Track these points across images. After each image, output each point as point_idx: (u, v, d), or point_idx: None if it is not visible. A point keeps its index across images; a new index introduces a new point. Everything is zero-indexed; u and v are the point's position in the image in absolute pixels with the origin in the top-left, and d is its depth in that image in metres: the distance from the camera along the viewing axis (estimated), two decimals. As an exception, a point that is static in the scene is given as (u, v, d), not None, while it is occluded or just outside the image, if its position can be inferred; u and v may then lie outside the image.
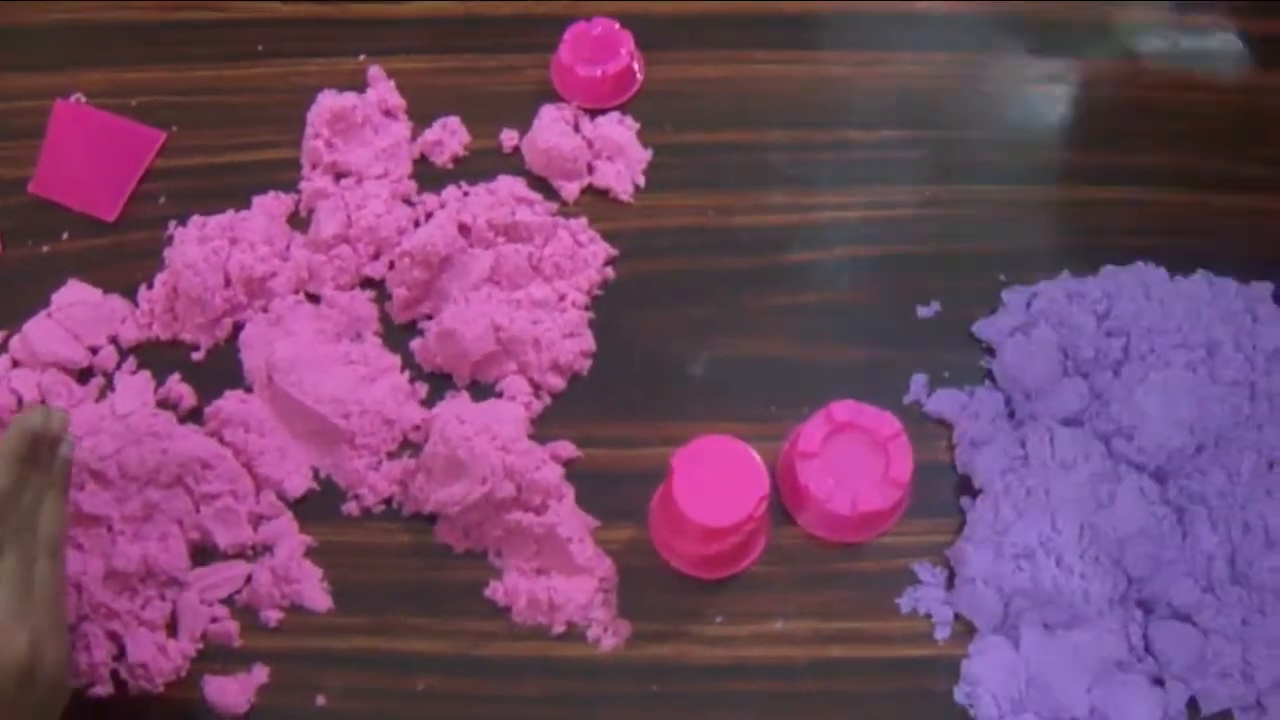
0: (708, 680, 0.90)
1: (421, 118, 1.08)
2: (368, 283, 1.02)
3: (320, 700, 0.91)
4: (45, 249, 1.06)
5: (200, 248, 1.01)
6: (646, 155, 1.05)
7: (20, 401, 0.99)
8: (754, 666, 0.91)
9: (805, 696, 0.90)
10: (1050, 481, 0.91)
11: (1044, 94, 1.09)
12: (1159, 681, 0.89)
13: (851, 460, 0.91)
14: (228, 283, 1.00)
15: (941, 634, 0.91)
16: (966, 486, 0.94)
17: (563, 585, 0.91)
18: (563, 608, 0.91)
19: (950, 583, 0.92)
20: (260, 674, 0.92)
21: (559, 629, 0.91)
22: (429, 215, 1.02)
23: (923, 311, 1.00)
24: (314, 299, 1.01)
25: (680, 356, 0.99)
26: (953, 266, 1.02)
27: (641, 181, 1.05)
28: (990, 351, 0.98)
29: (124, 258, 1.05)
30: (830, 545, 0.93)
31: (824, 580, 0.93)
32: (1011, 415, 0.96)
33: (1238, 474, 0.92)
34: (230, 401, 0.98)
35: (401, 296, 0.99)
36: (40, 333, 1.01)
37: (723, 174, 1.05)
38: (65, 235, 1.06)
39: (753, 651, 0.91)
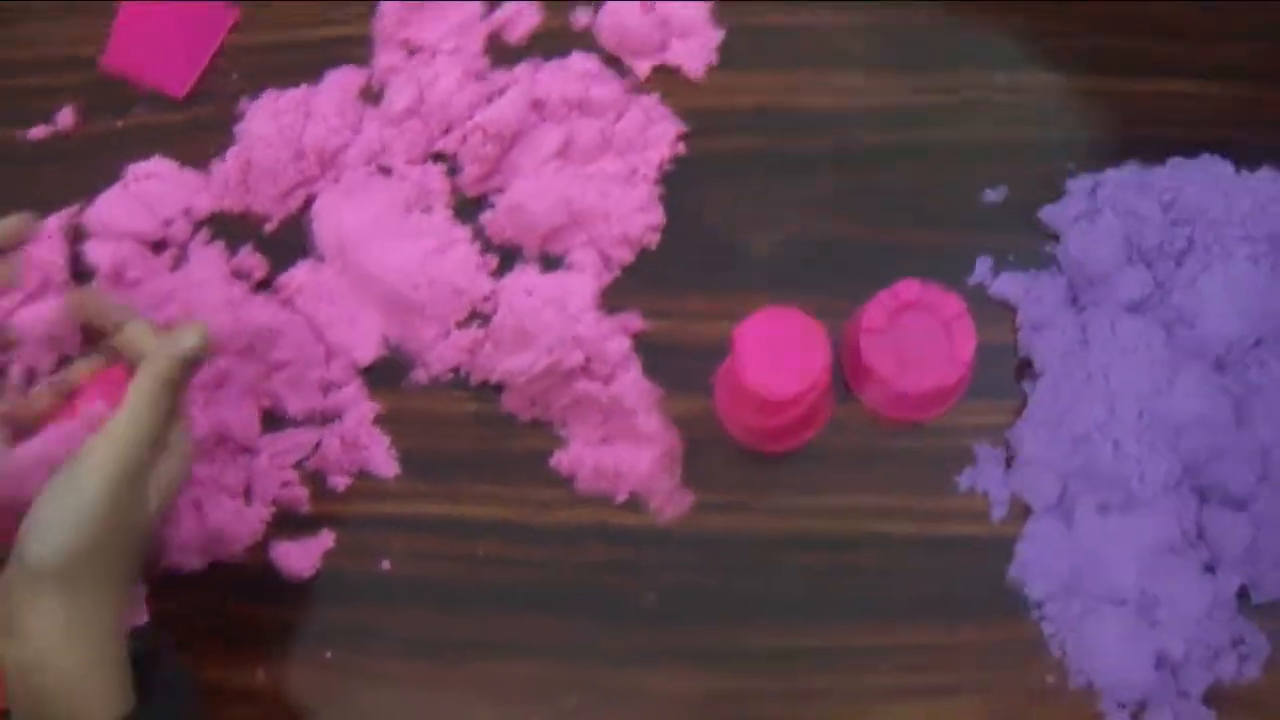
0: (767, 551, 0.95)
1: None
2: (439, 156, 1.05)
3: (385, 565, 0.97)
4: (119, 124, 1.10)
5: (273, 121, 1.05)
6: (719, 34, 1.07)
7: (96, 272, 1.04)
8: (813, 539, 0.95)
9: (861, 570, 0.94)
10: (1110, 366, 0.94)
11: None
12: (1210, 568, 0.92)
13: (915, 338, 0.94)
14: (300, 155, 1.04)
15: (998, 513, 0.95)
16: (1027, 369, 0.97)
17: (627, 454, 0.95)
18: (626, 476, 0.95)
19: (1008, 463, 0.96)
20: (327, 539, 0.97)
21: (622, 498, 0.96)
22: (501, 91, 1.05)
23: (989, 196, 1.02)
24: (385, 171, 1.05)
25: (748, 234, 1.02)
26: (1020, 153, 1.03)
27: (714, 60, 1.07)
28: (1055, 238, 1.00)
29: (197, 132, 1.09)
30: (891, 422, 0.97)
31: (884, 456, 0.97)
32: (1074, 300, 0.98)
33: (1297, 366, 0.94)
34: (301, 271, 1.03)
35: (473, 170, 1.03)
36: (114, 205, 1.06)
37: (795, 54, 1.07)
38: (138, 109, 1.11)
39: (811, 524, 0.95)
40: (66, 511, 0.77)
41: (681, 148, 1.05)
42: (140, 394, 0.82)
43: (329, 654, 0.96)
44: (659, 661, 0.94)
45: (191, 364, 0.85)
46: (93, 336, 0.96)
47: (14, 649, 0.77)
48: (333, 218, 1.03)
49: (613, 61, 1.07)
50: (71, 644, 0.77)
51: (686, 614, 0.94)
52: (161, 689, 0.81)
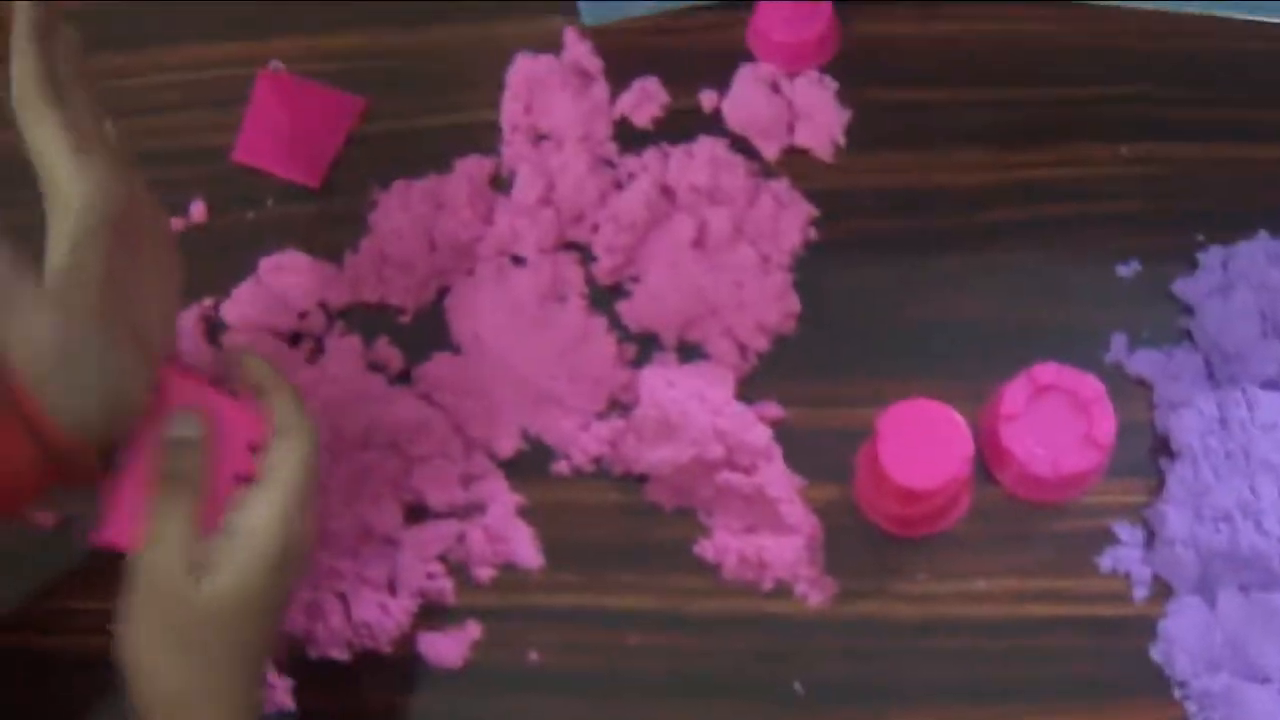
0: (912, 637, 0.97)
1: (619, 79, 1.14)
2: (571, 245, 1.09)
3: (533, 656, 1.00)
4: (250, 215, 1.15)
5: (405, 213, 1.09)
6: (845, 115, 1.10)
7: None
8: (956, 624, 0.97)
9: (1006, 654, 0.96)
10: (1250, 444, 0.95)
11: (1243, 50, 1.12)
12: (1356, 647, 0.93)
13: (1053, 421, 0.96)
14: (433, 247, 1.08)
15: (1139, 593, 0.96)
16: (1165, 447, 0.99)
17: (771, 543, 0.98)
18: (771, 565, 0.98)
19: (1149, 542, 0.97)
20: (474, 630, 1.00)
21: (768, 586, 0.99)
22: (630, 177, 1.09)
23: (1121, 270, 1.04)
24: (518, 261, 1.08)
25: (881, 316, 1.05)
26: (1150, 225, 1.06)
27: (841, 141, 1.10)
28: (1189, 311, 1.02)
29: (329, 223, 1.13)
30: (1031, 505, 0.99)
31: (1024, 539, 0.99)
32: (1211, 375, 1.00)
33: None
34: (439, 363, 1.06)
35: (607, 260, 1.06)
36: (250, 298, 1.10)
37: (921, 133, 1.10)
38: (270, 202, 1.15)
39: (955, 609, 0.97)
40: (240, 552, 0.81)
41: (813, 232, 1.08)
42: (297, 467, 0.84)
43: (477, 745, 0.99)
44: (807, 747, 0.97)
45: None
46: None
47: (146, 685, 0.81)
48: (468, 309, 1.07)
49: (740, 142, 1.10)
50: (209, 700, 0.82)
51: (833, 700, 0.97)
52: None
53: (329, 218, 1.14)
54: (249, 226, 1.15)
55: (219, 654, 0.82)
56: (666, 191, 1.07)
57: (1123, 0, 1.12)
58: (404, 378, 1.07)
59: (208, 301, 1.12)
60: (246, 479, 0.84)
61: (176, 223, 1.15)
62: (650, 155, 1.10)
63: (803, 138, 1.10)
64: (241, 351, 0.91)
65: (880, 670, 0.97)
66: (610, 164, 1.11)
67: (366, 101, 1.18)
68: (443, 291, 1.10)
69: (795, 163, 1.10)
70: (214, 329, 1.11)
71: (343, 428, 1.03)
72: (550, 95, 1.12)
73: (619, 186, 1.09)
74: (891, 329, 1.05)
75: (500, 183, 1.12)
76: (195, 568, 0.80)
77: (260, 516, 0.82)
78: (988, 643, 0.97)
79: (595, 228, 1.07)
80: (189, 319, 1.10)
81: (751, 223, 1.06)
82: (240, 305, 1.11)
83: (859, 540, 1.00)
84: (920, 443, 0.92)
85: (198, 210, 1.16)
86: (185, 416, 0.84)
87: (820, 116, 1.10)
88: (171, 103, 1.20)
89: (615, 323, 1.07)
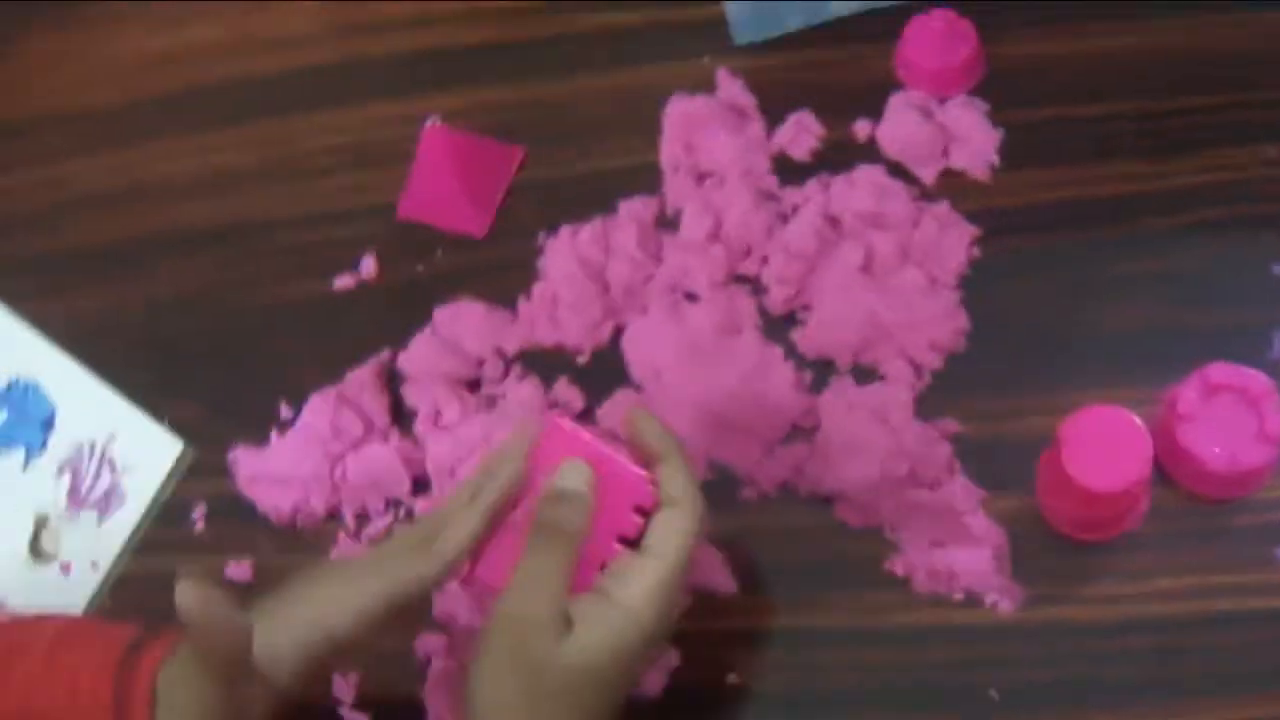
0: (1102, 638, 0.99)
1: (773, 115, 1.18)
2: (740, 278, 1.13)
3: (731, 678, 1.03)
4: (420, 268, 1.20)
5: (574, 256, 1.13)
6: (997, 135, 1.14)
7: (416, 414, 1.13)
8: (1145, 623, 0.99)
9: (1194, 650, 0.98)
10: None
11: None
12: None
13: (1227, 419, 0.99)
14: (605, 289, 1.13)
15: None
16: None
17: (959, 555, 1.01)
18: (960, 576, 1.01)
19: None
20: (672, 656, 1.03)
21: (958, 597, 1.02)
22: (794, 209, 1.12)
23: (1277, 269, 1.07)
24: (690, 297, 1.12)
25: (1048, 328, 1.08)
26: None
27: (995, 160, 1.13)
28: None
29: (498, 270, 1.18)
30: (1209, 502, 1.02)
31: (1204, 536, 1.01)
32: None
33: None
34: (621, 401, 1.10)
35: (779, 291, 1.10)
36: (426, 348, 1.15)
37: (1074, 147, 1.13)
38: (439, 253, 1.20)
39: (1142, 609, 0.99)
40: (616, 619, 0.82)
41: (976, 251, 1.11)
42: (683, 542, 0.86)
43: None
44: (1006, 754, 0.99)
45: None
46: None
47: None
48: (646, 346, 1.11)
49: (897, 169, 1.14)
50: None
51: (1030, 704, 0.99)
52: None
53: (498, 265, 1.18)
54: (420, 279, 1.20)
55: (562, 715, 0.81)
56: (832, 220, 1.11)
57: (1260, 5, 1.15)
58: (586, 416, 1.11)
59: (385, 354, 1.17)
60: (626, 541, 0.86)
61: (349, 280, 1.20)
62: (811, 186, 1.14)
63: (958, 160, 1.14)
64: (636, 412, 0.91)
65: (1073, 673, 0.99)
66: (772, 197, 1.14)
67: (524, 150, 1.22)
68: (617, 331, 1.14)
69: (953, 184, 1.14)
70: (393, 380, 1.16)
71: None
72: (708, 134, 1.16)
73: (783, 219, 1.13)
74: (1059, 339, 1.08)
75: (665, 222, 1.16)
76: (559, 621, 0.81)
77: (641, 586, 0.83)
78: (1176, 640, 0.99)
79: (764, 260, 1.11)
80: (367, 373, 1.15)
81: (916, 245, 1.09)
82: (417, 355, 1.15)
83: (1043, 547, 1.02)
84: (1102, 447, 0.95)
85: (368, 266, 1.21)
86: (574, 468, 0.86)
87: (974, 138, 1.13)
88: (338, 164, 1.26)
89: (790, 351, 1.10)
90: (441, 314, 1.16)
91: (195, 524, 1.19)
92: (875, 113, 1.17)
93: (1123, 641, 1.00)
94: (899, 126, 1.14)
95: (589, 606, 0.82)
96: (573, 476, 0.86)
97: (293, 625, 0.87)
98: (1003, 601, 1.01)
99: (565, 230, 1.16)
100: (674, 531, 0.85)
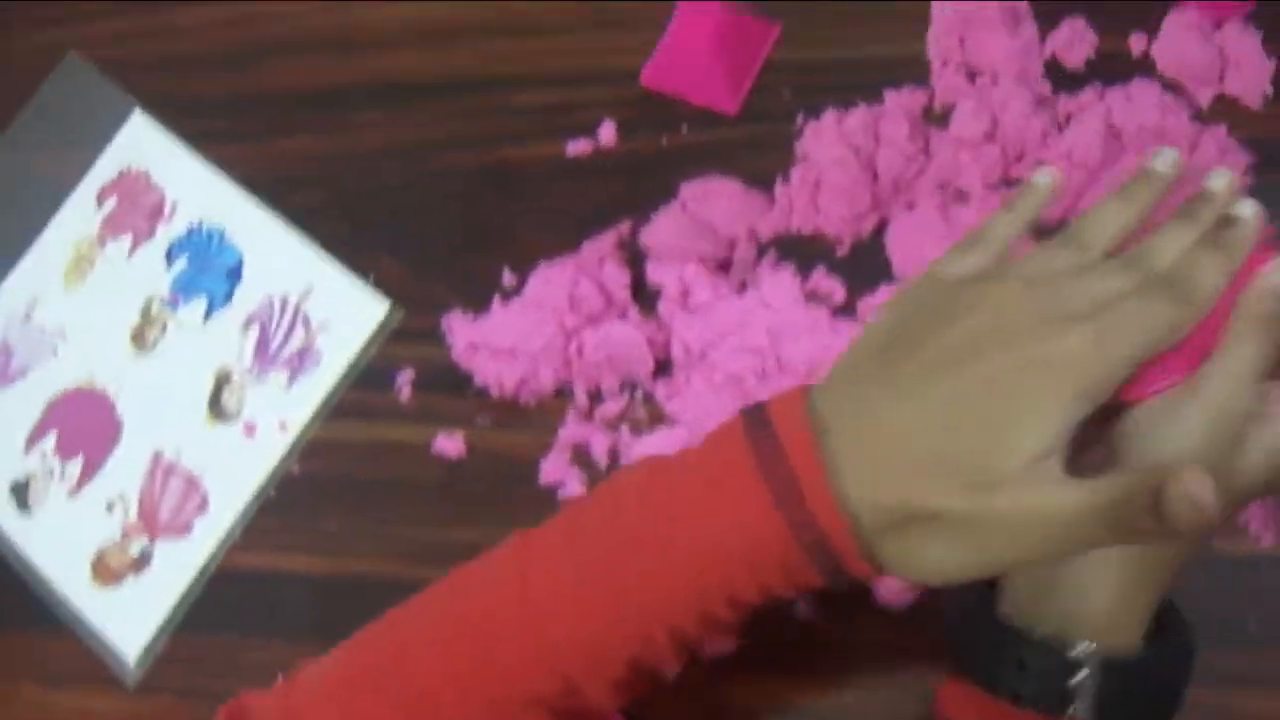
0: None
1: (1046, 19, 1.16)
2: (1010, 182, 1.12)
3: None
4: (664, 140, 1.18)
5: (842, 142, 1.12)
6: (1271, 65, 1.13)
7: (659, 293, 1.12)
8: None
9: None
10: None
11: None
12: None
13: None
14: (874, 179, 1.12)
15: None
16: None
17: None
18: None
19: None
20: None
21: None
22: (1068, 117, 1.12)
23: None
24: (960, 197, 1.12)
25: None
26: None
27: (1269, 91, 1.13)
28: None
29: (751, 150, 1.16)
30: None
31: None
32: None
33: None
34: (883, 295, 1.09)
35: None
36: (672, 223, 1.14)
37: None
38: (684, 127, 1.19)
39: None
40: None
41: (1248, 179, 1.11)
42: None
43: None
44: (1258, 685, 1.01)
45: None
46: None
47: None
48: (912, 244, 1.10)
49: (1171, 87, 1.13)
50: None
51: None
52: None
53: (749, 144, 1.16)
54: (663, 152, 1.18)
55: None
56: (1114, 132, 1.10)
57: None
58: (847, 310, 1.10)
59: (624, 226, 1.15)
60: None
61: (584, 145, 1.19)
62: (1088, 95, 1.13)
63: (1233, 86, 1.13)
64: None
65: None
66: (1047, 103, 1.14)
67: (780, 28, 1.20)
68: (881, 224, 1.13)
69: (1227, 110, 1.13)
70: (633, 255, 1.15)
71: (792, 360, 1.07)
72: (982, 32, 1.15)
73: (1058, 126, 1.12)
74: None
75: (933, 116, 1.15)
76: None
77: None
78: None
79: (1038, 165, 1.10)
80: (607, 243, 1.14)
81: (1192, 167, 1.09)
82: (662, 231, 1.14)
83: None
84: None
85: (607, 133, 1.19)
86: None
87: (1250, 65, 1.13)
88: (577, 23, 1.24)
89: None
90: (690, 190, 1.15)
91: (400, 390, 1.18)
92: (1150, 28, 1.15)
93: None
94: (1178, 45, 1.13)
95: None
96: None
97: None
98: (1266, 535, 1.03)
99: (830, 114, 1.15)
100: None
